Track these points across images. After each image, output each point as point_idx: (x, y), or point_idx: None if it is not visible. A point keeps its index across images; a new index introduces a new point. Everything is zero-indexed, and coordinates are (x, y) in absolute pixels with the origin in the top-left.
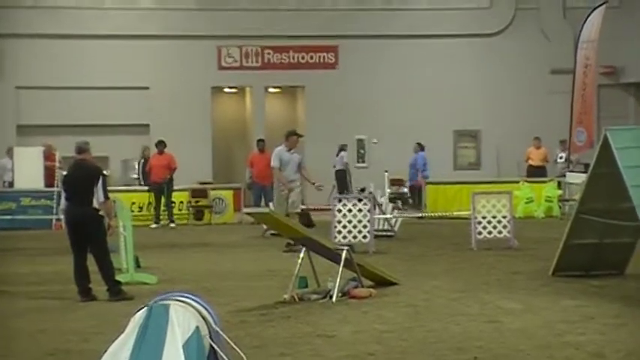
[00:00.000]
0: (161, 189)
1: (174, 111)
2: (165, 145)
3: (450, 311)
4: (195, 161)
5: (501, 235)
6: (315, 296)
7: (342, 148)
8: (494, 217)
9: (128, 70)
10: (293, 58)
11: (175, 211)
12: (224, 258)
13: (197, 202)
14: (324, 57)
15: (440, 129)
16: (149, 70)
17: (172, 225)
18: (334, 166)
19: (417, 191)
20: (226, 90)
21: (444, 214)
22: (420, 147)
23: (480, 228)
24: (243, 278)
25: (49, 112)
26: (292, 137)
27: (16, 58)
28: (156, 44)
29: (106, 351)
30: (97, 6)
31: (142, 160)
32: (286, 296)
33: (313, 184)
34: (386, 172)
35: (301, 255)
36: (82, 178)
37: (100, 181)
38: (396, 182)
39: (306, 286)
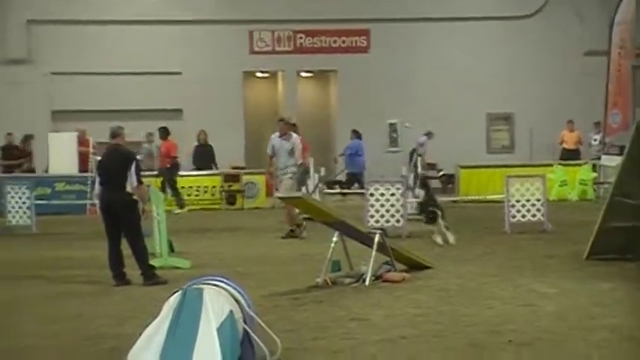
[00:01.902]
0: (162, 175)
1: (206, 96)
2: (166, 133)
3: (483, 295)
4: (228, 146)
5: (535, 219)
6: (348, 280)
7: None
8: (527, 201)
9: (161, 56)
10: (325, 42)
11: (208, 196)
12: (257, 242)
13: (230, 186)
14: (356, 41)
15: (473, 112)
16: (182, 55)
17: (176, 211)
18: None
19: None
20: (258, 74)
21: (477, 197)
22: (356, 134)
23: (513, 211)
24: (276, 262)
25: (83, 97)
26: (279, 123)
27: (50, 44)
28: (188, 29)
29: (140, 335)
30: None
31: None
32: (319, 280)
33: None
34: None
35: (335, 239)
36: (115, 163)
37: (134, 166)
38: (429, 166)
39: (339, 270)
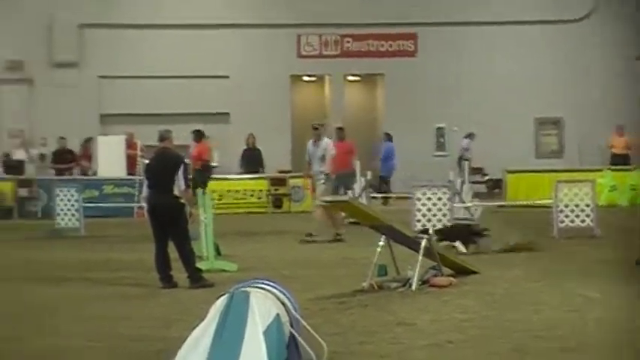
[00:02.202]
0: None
1: (253, 99)
2: (200, 136)
3: (530, 300)
4: (274, 150)
5: (584, 224)
6: (394, 284)
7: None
8: (576, 206)
9: (208, 59)
10: (372, 45)
11: (254, 199)
12: (302, 246)
13: (276, 190)
14: (403, 44)
15: (520, 117)
16: (229, 59)
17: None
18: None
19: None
20: (305, 78)
21: (525, 202)
22: (388, 137)
23: (562, 216)
24: (322, 266)
25: (131, 101)
26: (312, 130)
27: (99, 47)
28: (236, 33)
29: (187, 337)
30: None
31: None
32: (365, 284)
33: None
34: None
35: (381, 243)
36: (163, 166)
37: (181, 170)
38: (476, 171)
39: (386, 274)
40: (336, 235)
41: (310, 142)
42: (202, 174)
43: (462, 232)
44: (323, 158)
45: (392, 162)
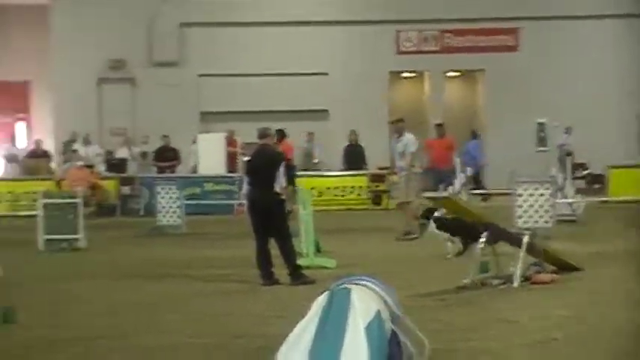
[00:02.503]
0: None
1: (352, 96)
2: (283, 135)
3: (635, 297)
4: (373, 146)
5: None
6: (496, 281)
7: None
8: None
9: (307, 57)
10: (472, 41)
11: (354, 196)
12: (401, 242)
13: (376, 186)
14: (504, 39)
15: (624, 112)
16: (328, 56)
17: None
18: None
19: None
20: (404, 75)
21: (629, 198)
22: (474, 135)
23: None
24: (422, 262)
25: (230, 98)
26: (392, 126)
27: (199, 46)
28: (335, 30)
29: (288, 334)
30: None
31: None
32: (467, 281)
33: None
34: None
35: (482, 239)
36: (264, 164)
37: (282, 166)
38: (577, 166)
39: (487, 271)
40: (405, 232)
41: (393, 138)
42: (287, 172)
43: (463, 228)
44: (403, 154)
45: (478, 159)
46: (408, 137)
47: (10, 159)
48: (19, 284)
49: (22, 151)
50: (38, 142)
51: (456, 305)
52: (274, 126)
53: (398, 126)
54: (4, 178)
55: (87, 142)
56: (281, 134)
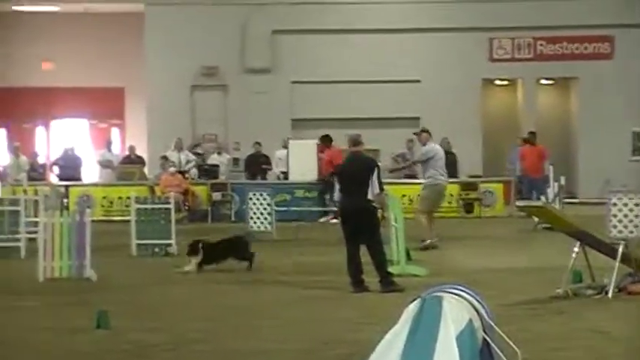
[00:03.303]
0: (324, 184)
1: (444, 104)
2: (330, 141)
3: None
4: (465, 154)
5: None
6: (590, 291)
7: None
8: None
9: (399, 64)
10: (566, 48)
11: (445, 204)
12: (493, 251)
13: (467, 194)
14: (599, 47)
15: None
16: (420, 63)
17: (322, 220)
18: None
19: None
20: (497, 82)
21: None
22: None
23: None
24: (514, 272)
25: (321, 105)
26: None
27: (291, 53)
28: (427, 37)
29: (378, 341)
30: (369, 0)
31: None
32: (560, 291)
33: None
34: None
35: (576, 249)
36: (357, 170)
37: (375, 173)
38: None
39: (581, 281)
40: (425, 242)
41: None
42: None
43: None
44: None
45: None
46: (427, 148)
47: (105, 165)
48: (112, 289)
49: (116, 157)
50: (132, 148)
51: (548, 315)
52: (365, 133)
53: (422, 136)
54: (98, 184)
55: (179, 148)
56: (329, 140)
